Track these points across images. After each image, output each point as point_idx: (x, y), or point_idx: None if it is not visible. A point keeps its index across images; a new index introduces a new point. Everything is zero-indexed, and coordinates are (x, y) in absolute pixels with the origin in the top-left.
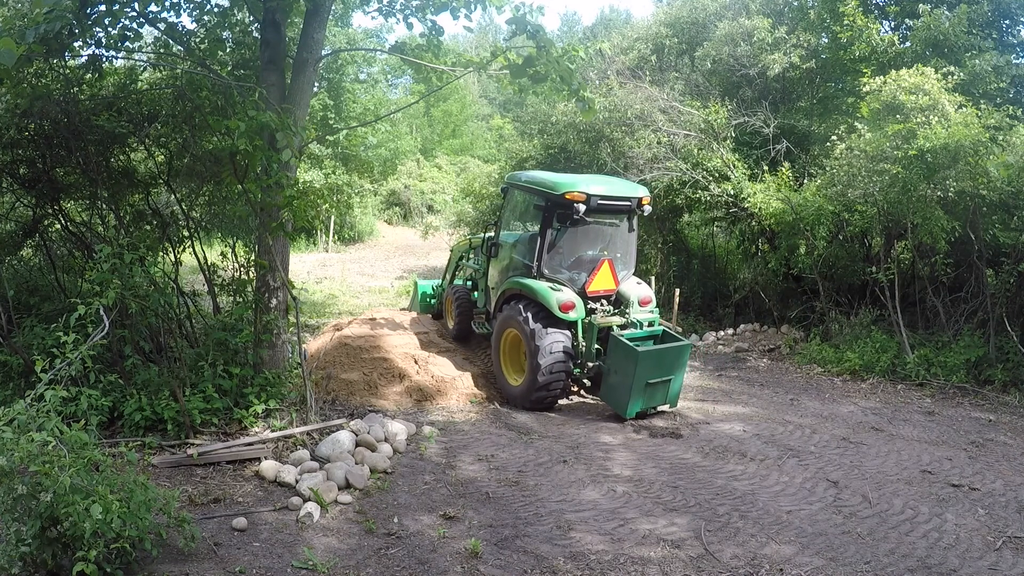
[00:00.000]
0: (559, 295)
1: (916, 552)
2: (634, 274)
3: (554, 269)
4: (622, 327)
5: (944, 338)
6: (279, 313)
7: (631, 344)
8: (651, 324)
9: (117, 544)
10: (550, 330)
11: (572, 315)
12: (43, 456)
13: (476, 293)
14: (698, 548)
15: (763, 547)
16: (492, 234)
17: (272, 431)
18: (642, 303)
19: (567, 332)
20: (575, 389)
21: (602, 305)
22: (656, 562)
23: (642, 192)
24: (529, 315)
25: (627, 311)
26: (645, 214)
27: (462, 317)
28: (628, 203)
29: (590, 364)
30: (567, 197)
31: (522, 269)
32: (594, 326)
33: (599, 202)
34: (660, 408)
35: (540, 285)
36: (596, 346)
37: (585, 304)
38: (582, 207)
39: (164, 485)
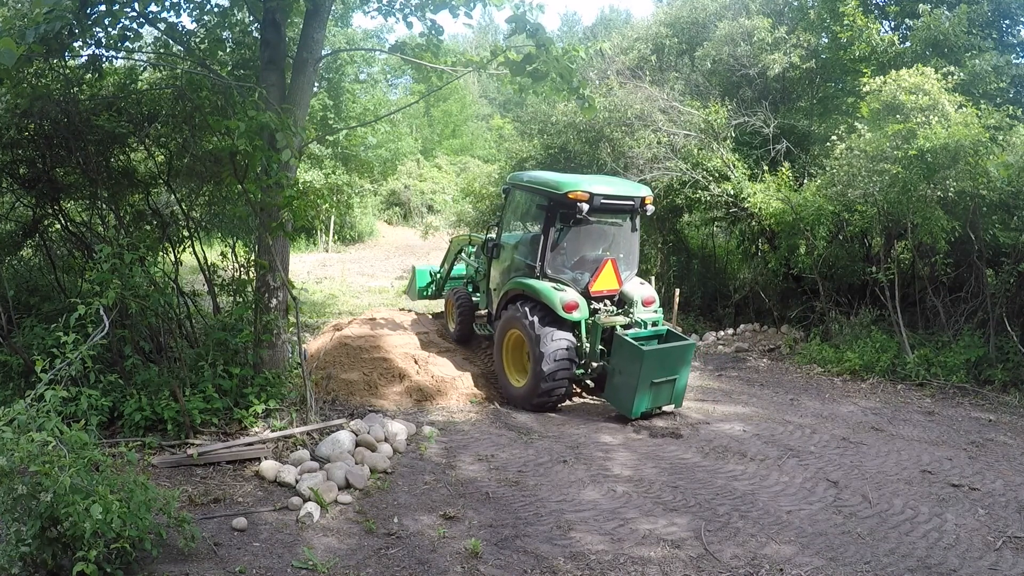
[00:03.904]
0: (563, 295)
1: (916, 552)
2: (635, 274)
3: (557, 269)
4: (626, 327)
5: (944, 338)
6: (279, 313)
7: (636, 343)
8: (655, 324)
9: (117, 544)
10: (554, 330)
11: (576, 315)
12: (43, 456)
13: (477, 296)
14: (698, 548)
15: (763, 547)
16: (493, 235)
17: (272, 431)
18: (645, 303)
19: (570, 332)
20: (577, 391)
21: (605, 305)
22: (656, 562)
23: (645, 192)
24: (533, 315)
25: (631, 311)
26: (648, 214)
27: (463, 319)
28: (631, 203)
29: (594, 364)
30: (570, 196)
31: (524, 269)
32: (598, 326)
33: (602, 201)
34: (665, 408)
35: (543, 285)
36: (600, 347)
37: (588, 304)
38: (585, 206)
39: (164, 485)
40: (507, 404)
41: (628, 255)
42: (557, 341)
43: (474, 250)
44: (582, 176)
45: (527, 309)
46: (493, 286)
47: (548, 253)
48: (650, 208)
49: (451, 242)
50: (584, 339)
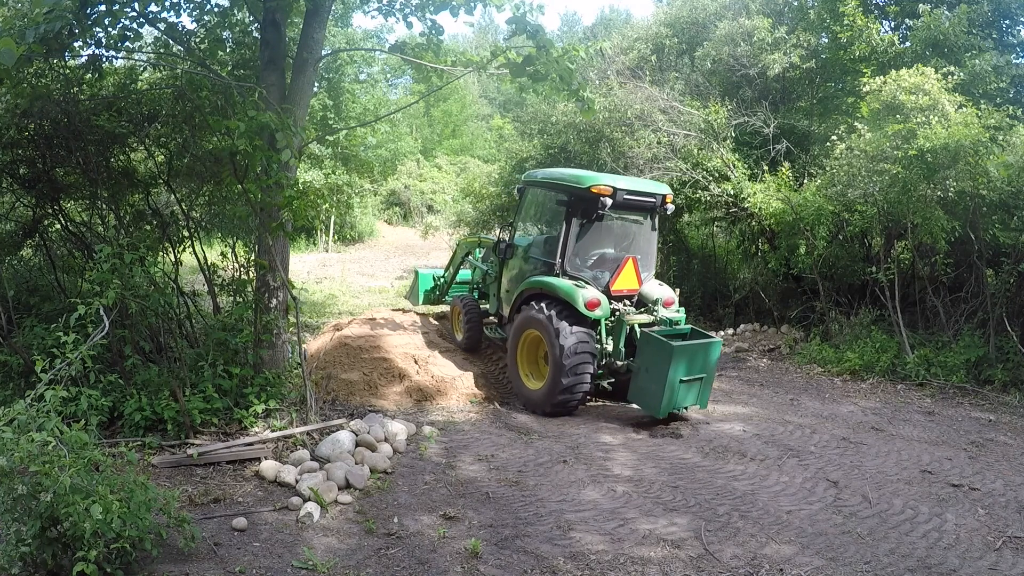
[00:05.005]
0: (584, 292)
1: (916, 552)
2: (653, 275)
3: (577, 267)
4: (649, 325)
5: (944, 338)
6: (279, 313)
7: (664, 339)
8: (677, 324)
9: (117, 544)
10: (575, 329)
11: (598, 313)
12: (43, 456)
13: (483, 303)
14: (698, 548)
15: (763, 547)
16: (506, 236)
17: (272, 431)
18: (666, 304)
19: (592, 331)
20: (591, 398)
21: (625, 305)
22: (656, 562)
23: (666, 190)
24: (553, 314)
25: (655, 309)
26: (668, 213)
27: (472, 327)
28: (652, 200)
29: (618, 363)
30: (593, 191)
31: (542, 268)
32: (623, 323)
33: (625, 197)
34: (691, 408)
35: (563, 282)
36: (622, 347)
37: (609, 303)
38: (609, 201)
39: (164, 485)
40: (506, 404)
41: (647, 255)
42: (578, 338)
43: (481, 254)
44: (600, 173)
45: (546, 307)
46: (506, 288)
47: (569, 250)
48: (670, 207)
49: (457, 245)
50: (604, 339)
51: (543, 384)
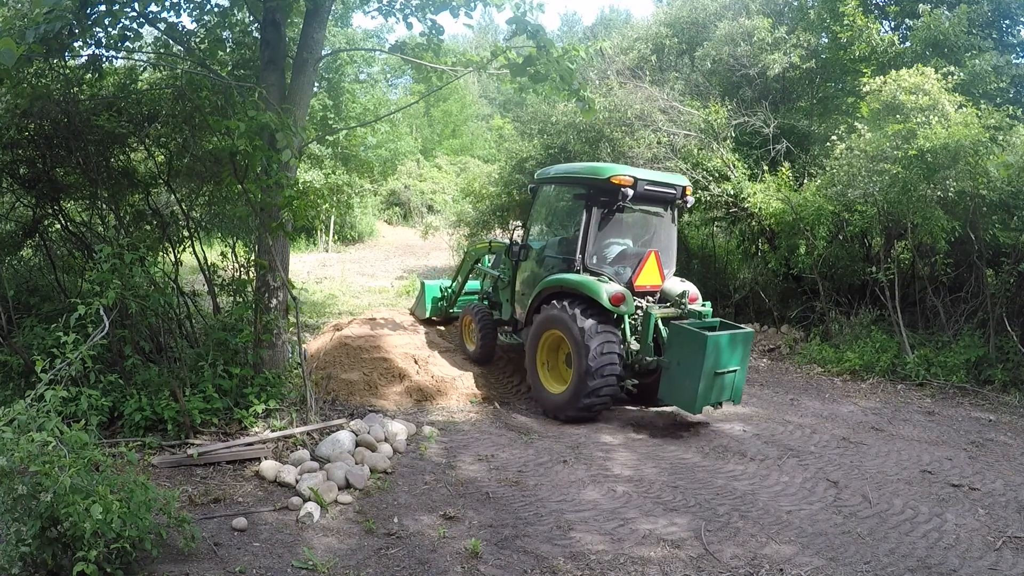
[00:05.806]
0: (608, 287)
1: (916, 552)
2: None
3: (596, 264)
4: (678, 319)
5: (944, 338)
6: (279, 313)
7: (697, 330)
8: (703, 317)
9: (117, 544)
10: (600, 326)
11: (623, 308)
12: (43, 456)
13: (495, 313)
14: (698, 548)
15: (763, 547)
16: (519, 237)
17: (272, 431)
18: (690, 300)
19: (618, 329)
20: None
21: (648, 301)
22: (656, 562)
23: (686, 181)
24: (576, 312)
25: (682, 301)
26: (688, 205)
27: (486, 338)
28: (673, 191)
29: (648, 359)
30: (613, 181)
31: (560, 266)
32: (651, 317)
33: (646, 188)
34: (725, 404)
35: (585, 278)
36: (650, 342)
37: (632, 299)
38: (630, 192)
39: (164, 485)
40: (506, 404)
41: (667, 250)
42: (603, 334)
43: (492, 260)
44: (617, 164)
45: (568, 305)
46: (521, 290)
47: (589, 245)
48: (690, 200)
49: (466, 254)
50: (629, 336)
51: (566, 387)
